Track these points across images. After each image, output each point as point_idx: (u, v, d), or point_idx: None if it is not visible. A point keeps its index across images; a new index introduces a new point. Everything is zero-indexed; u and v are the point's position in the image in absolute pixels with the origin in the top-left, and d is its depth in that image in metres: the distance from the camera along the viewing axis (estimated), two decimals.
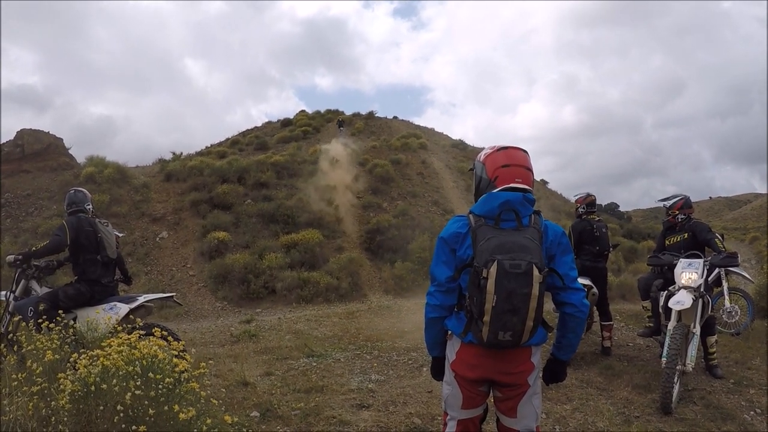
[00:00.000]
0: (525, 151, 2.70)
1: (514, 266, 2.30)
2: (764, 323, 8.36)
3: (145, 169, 22.44)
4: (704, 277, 5.55)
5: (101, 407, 2.83)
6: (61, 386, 2.92)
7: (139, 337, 3.45)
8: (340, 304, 13.12)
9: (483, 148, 2.83)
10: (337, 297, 13.61)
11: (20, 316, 4.98)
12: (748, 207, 76.84)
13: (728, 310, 7.00)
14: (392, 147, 27.49)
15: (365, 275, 15.74)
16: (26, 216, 16.46)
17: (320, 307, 12.55)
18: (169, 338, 3.64)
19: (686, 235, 6.26)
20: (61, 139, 21.26)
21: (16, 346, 4.27)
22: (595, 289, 6.70)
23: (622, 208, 65.81)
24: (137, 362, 3.05)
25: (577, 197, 7.41)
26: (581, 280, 6.45)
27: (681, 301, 5.23)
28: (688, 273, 5.55)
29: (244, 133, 35.40)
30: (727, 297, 6.88)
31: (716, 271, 6.27)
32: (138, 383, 2.90)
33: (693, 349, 5.22)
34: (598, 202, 7.38)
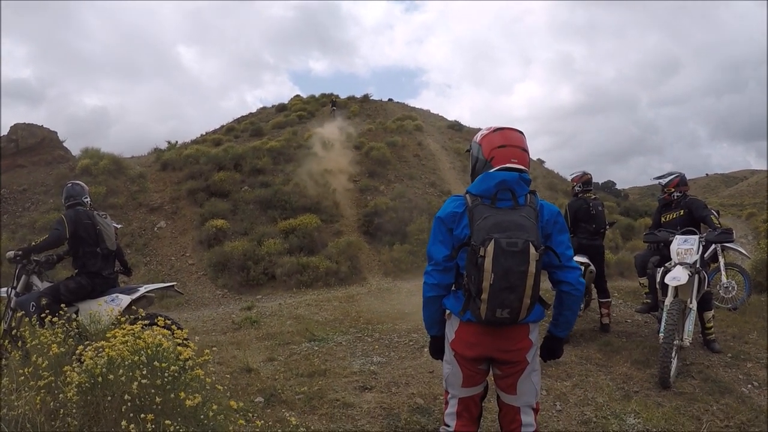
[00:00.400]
0: (521, 132, 2.74)
1: (511, 244, 2.33)
2: (761, 298, 8.43)
3: (140, 159, 22.39)
4: (700, 253, 5.60)
5: (109, 398, 2.86)
6: (68, 379, 2.94)
7: (143, 327, 3.47)
8: (340, 288, 13.18)
9: (479, 129, 2.86)
10: (337, 281, 13.67)
11: (22, 312, 5.01)
12: (744, 183, 77.04)
13: (725, 285, 7.06)
14: (388, 129, 27.43)
15: (364, 258, 15.79)
16: (23, 211, 16.45)
17: (320, 292, 12.61)
18: (173, 327, 3.67)
19: (682, 212, 6.30)
20: (56, 133, 21.17)
21: (19, 342, 4.29)
22: (592, 267, 6.75)
23: (619, 186, 66.00)
24: (142, 352, 3.07)
25: (573, 176, 7.43)
26: (578, 258, 6.52)
27: (677, 277, 5.28)
28: (684, 249, 5.60)
29: (239, 120, 35.20)
30: (723, 272, 6.93)
31: (713, 247, 6.31)
32: (144, 372, 2.93)
33: (690, 324, 5.28)
34: (595, 180, 7.41)
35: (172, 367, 3.01)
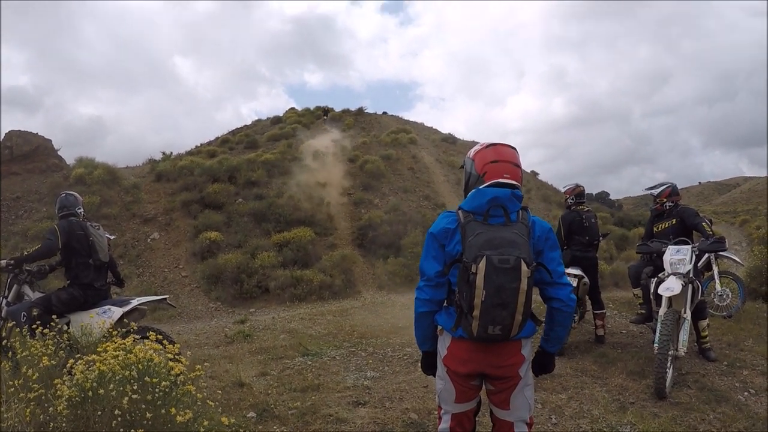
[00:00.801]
0: (514, 148, 2.76)
1: (503, 261, 2.33)
2: (756, 305, 8.45)
3: (135, 170, 22.32)
4: (693, 262, 5.62)
5: (99, 412, 2.84)
6: (58, 392, 2.92)
7: (135, 341, 3.45)
8: (333, 301, 13.13)
9: (473, 142, 2.87)
10: (331, 294, 13.61)
11: (13, 322, 4.97)
12: (737, 191, 77.64)
13: (719, 293, 7.07)
14: (382, 143, 27.49)
15: (358, 272, 15.75)
16: (16, 219, 16.35)
17: (314, 305, 12.55)
18: (164, 341, 3.65)
19: (674, 221, 6.33)
20: (50, 141, 21.07)
21: (10, 353, 4.26)
22: (586, 279, 6.75)
23: (612, 197, 66.37)
24: (133, 366, 3.05)
25: (566, 188, 7.46)
26: (572, 270, 6.53)
27: (670, 287, 5.29)
28: (677, 259, 5.63)
29: (234, 132, 35.19)
30: (717, 281, 6.95)
31: (706, 256, 6.34)
32: (135, 387, 2.91)
33: (684, 333, 5.29)
34: (589, 191, 7.44)
35: (164, 383, 2.99)
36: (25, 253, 5.26)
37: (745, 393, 5.10)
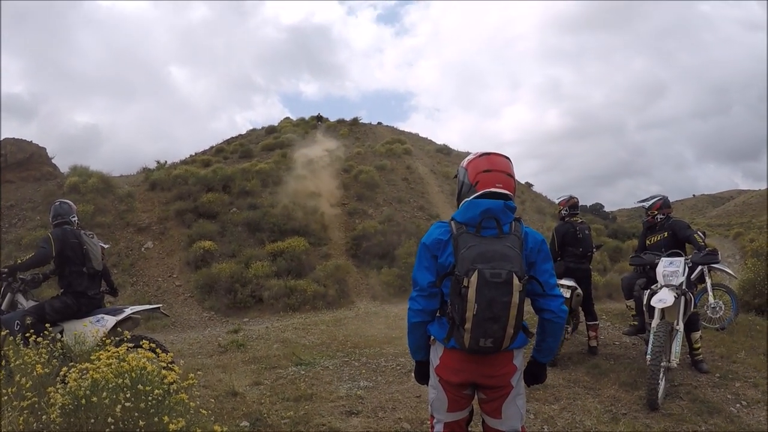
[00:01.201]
0: (507, 158, 2.77)
1: (495, 275, 2.35)
2: (748, 317, 8.48)
3: (129, 179, 22.26)
4: (686, 274, 5.65)
5: (92, 420, 2.83)
6: (52, 400, 2.91)
7: (128, 349, 3.45)
8: (327, 311, 13.10)
9: (467, 153, 2.90)
10: (325, 304, 13.57)
11: (7, 331, 4.95)
12: (731, 203, 78.03)
13: (712, 305, 7.11)
14: (377, 153, 27.51)
15: (352, 282, 15.72)
16: (9, 227, 16.26)
17: (308, 315, 12.52)
18: (158, 350, 3.65)
19: (666, 233, 6.38)
20: (45, 149, 21.00)
21: (3, 361, 4.24)
22: (579, 290, 6.78)
23: (607, 209, 66.54)
24: (126, 375, 3.05)
25: (559, 200, 7.49)
26: (566, 281, 6.55)
27: (663, 299, 5.33)
28: (669, 271, 5.66)
29: (228, 141, 35.15)
30: (710, 293, 6.99)
31: (699, 268, 6.38)
32: (128, 395, 2.90)
33: (677, 345, 5.32)
34: (583, 202, 7.51)
35: (156, 391, 2.99)
36: (19, 261, 5.25)
37: (738, 405, 5.12)
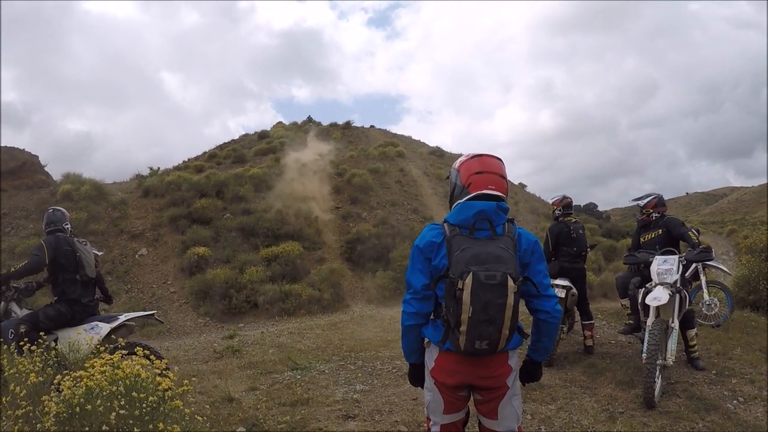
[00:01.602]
0: (499, 159, 2.77)
1: (489, 277, 2.34)
2: (743, 314, 8.52)
3: (122, 185, 22.18)
4: (680, 272, 5.67)
5: (86, 428, 2.81)
6: (46, 408, 2.89)
7: (122, 356, 3.43)
8: (322, 315, 13.08)
9: (460, 155, 2.89)
10: (320, 308, 13.56)
11: (1, 339, 4.91)
12: (724, 201, 78.47)
13: (707, 302, 7.13)
14: (370, 156, 27.51)
15: (347, 286, 15.71)
16: (2, 236, 16.16)
17: (303, 320, 12.50)
18: (152, 357, 3.63)
19: (660, 231, 6.40)
20: (37, 157, 20.94)
21: None
22: (574, 290, 6.78)
23: (600, 208, 66.80)
24: (120, 382, 3.04)
25: (553, 200, 7.52)
26: (560, 281, 6.56)
27: (658, 297, 5.34)
28: (664, 269, 5.67)
29: (221, 147, 35.12)
30: (705, 290, 7.01)
31: (693, 265, 6.40)
32: (122, 403, 2.89)
33: (672, 343, 5.32)
34: (576, 202, 7.51)
35: (151, 398, 2.97)
36: (12, 269, 5.21)
37: (734, 401, 5.14)
